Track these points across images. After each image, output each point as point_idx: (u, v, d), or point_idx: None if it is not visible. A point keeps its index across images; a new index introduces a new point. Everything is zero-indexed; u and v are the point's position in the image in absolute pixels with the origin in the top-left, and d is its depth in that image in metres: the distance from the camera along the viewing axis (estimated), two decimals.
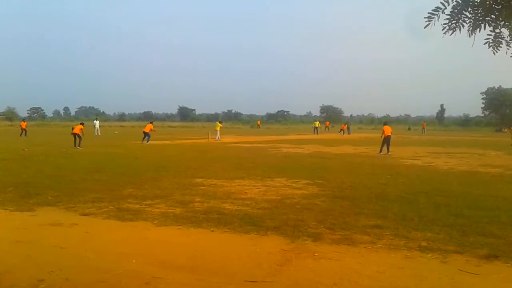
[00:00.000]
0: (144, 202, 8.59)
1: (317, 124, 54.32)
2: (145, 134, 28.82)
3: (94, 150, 22.18)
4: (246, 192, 9.86)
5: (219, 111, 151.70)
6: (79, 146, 23.90)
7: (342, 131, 52.04)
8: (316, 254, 5.47)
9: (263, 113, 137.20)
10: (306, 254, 5.50)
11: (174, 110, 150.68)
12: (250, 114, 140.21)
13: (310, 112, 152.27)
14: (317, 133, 50.58)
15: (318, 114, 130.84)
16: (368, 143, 31.20)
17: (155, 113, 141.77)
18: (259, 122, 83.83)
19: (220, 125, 37.86)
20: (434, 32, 4.36)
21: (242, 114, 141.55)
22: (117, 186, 10.44)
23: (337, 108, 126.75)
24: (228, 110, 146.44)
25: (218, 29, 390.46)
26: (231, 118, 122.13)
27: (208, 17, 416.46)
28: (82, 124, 26.48)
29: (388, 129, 22.87)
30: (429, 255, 5.48)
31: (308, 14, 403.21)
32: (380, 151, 22.61)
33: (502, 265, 5.15)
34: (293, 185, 11.04)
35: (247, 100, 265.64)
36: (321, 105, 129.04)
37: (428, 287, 4.52)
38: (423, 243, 5.93)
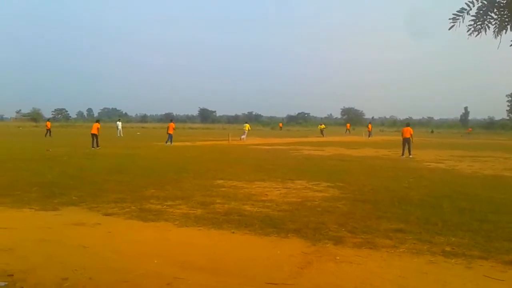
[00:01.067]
0: (166, 203, 8.66)
1: (322, 126, 54.67)
2: (169, 135, 29.20)
3: (116, 151, 22.48)
4: (266, 194, 9.85)
5: (239, 113, 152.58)
6: (97, 146, 24.18)
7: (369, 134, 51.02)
8: (338, 258, 5.42)
9: (284, 115, 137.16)
10: (327, 257, 5.46)
11: (195, 112, 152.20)
12: (271, 116, 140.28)
13: (331, 114, 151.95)
14: (324, 135, 50.07)
15: (339, 116, 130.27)
16: (389, 146, 30.84)
17: (176, 114, 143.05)
18: (281, 125, 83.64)
19: (248, 126, 39.83)
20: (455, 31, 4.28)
21: (262, 116, 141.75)
22: (139, 187, 10.56)
23: (358, 111, 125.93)
24: (248, 112, 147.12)
25: (241, 29, 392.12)
26: (252, 119, 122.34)
27: (230, 16, 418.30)
28: (98, 121, 26.42)
29: (406, 131, 22.60)
30: (453, 260, 5.38)
31: (336, 17, 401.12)
32: (402, 154, 22.34)
33: None
34: (314, 187, 10.99)
35: (268, 102, 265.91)
36: (342, 107, 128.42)
37: None
38: (447, 248, 5.82)
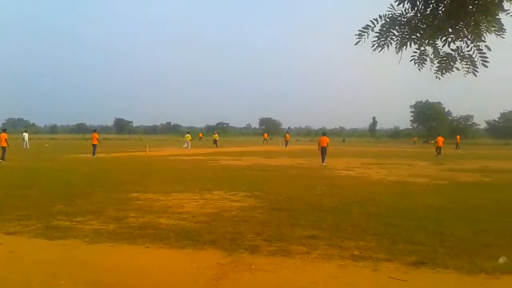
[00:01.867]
0: (75, 219, 8.21)
1: (215, 136, 53.46)
2: (94, 145, 28.19)
3: (23, 164, 21.02)
4: (183, 206, 9.72)
5: (157, 123, 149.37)
6: (2, 159, 22.58)
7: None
8: (253, 267, 5.48)
9: (203, 125, 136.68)
10: (243, 267, 5.50)
11: (110, 122, 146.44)
12: (190, 126, 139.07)
13: (249, 124, 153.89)
14: (217, 146, 48.18)
15: (258, 126, 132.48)
16: (305, 155, 31.92)
17: (89, 125, 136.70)
18: (200, 135, 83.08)
19: (189, 136, 42.87)
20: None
21: (181, 126, 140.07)
22: (46, 202, 9.91)
23: (276, 121, 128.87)
24: (167, 122, 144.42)
25: (161, 36, 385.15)
26: (170, 130, 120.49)
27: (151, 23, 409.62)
28: (4, 131, 24.61)
29: (323, 140, 23.85)
30: (361, 263, 5.66)
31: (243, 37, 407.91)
32: (322, 161, 23.49)
33: (429, 271, 5.40)
34: (232, 197, 11.04)
35: (187, 112, 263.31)
36: (260, 117, 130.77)
37: None
38: (356, 252, 6.12)
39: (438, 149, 33.95)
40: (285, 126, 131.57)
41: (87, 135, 78.15)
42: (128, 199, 10.53)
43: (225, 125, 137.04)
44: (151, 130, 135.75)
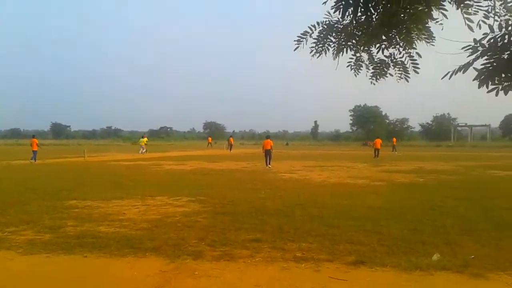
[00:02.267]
0: (7, 229, 7.75)
1: (144, 140, 43.59)
2: (34, 152, 27.07)
3: None
4: (124, 213, 9.45)
5: (97, 127, 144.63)
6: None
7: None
8: (196, 273, 5.42)
9: (146, 130, 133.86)
10: (186, 273, 5.42)
11: (46, 127, 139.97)
12: (132, 131, 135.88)
13: (193, 128, 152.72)
14: (145, 151, 41.01)
15: (202, 130, 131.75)
16: (249, 158, 32.08)
17: (23, 130, 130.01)
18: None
19: (145, 140, 42.08)
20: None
21: (123, 130, 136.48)
22: None
23: (220, 124, 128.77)
24: (107, 127, 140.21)
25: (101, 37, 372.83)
26: (111, 135, 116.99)
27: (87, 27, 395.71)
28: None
29: (267, 143, 24.35)
30: (303, 265, 5.76)
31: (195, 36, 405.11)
32: (266, 163, 24.02)
33: (368, 270, 5.58)
34: (175, 203, 10.87)
35: (128, 116, 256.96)
36: (204, 121, 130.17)
37: None
38: (298, 254, 6.22)
39: (376, 151, 35.33)
40: (229, 130, 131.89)
41: (21, 141, 74.53)
42: (65, 207, 10.08)
43: (168, 129, 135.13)
44: (90, 135, 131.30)
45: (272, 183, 15.55)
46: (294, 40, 4.54)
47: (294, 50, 4.56)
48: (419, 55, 4.07)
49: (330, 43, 4.57)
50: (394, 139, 51.45)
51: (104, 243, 6.79)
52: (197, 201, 11.02)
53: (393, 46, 4.11)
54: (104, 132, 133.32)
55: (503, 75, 2.61)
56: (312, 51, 4.65)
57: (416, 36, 3.83)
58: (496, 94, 2.67)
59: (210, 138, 69.91)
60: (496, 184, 16.08)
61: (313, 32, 4.51)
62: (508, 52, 2.60)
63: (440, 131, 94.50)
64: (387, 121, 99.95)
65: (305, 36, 4.51)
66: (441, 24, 3.62)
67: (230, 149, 50.35)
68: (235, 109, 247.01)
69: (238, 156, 37.51)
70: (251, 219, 8.68)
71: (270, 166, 23.70)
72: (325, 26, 4.46)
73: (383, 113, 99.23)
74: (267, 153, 24.41)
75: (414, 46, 4.00)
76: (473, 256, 6.05)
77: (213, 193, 12.60)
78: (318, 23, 4.32)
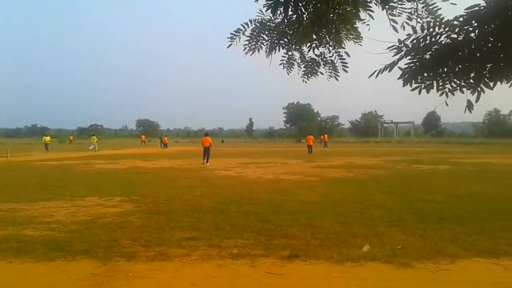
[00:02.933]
0: None
1: (47, 139, 41.45)
2: None
3: None
4: (52, 215, 8.99)
5: (21, 125, 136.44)
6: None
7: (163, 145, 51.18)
8: (130, 274, 5.28)
9: (74, 127, 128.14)
10: (119, 275, 5.27)
11: None
12: (59, 129, 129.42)
13: (126, 126, 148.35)
14: (48, 151, 38.41)
15: (135, 127, 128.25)
16: (184, 156, 31.72)
17: None
18: (71, 138, 77.76)
19: (95, 138, 44.66)
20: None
21: (49, 128, 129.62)
22: None
23: (154, 122, 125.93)
24: (32, 125, 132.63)
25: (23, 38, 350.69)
26: (36, 133, 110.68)
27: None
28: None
29: (206, 140, 24.86)
30: (239, 261, 5.80)
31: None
32: (206, 161, 24.25)
33: (302, 263, 5.73)
34: (107, 203, 10.51)
35: (55, 114, 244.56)
36: (137, 119, 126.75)
37: None
38: (234, 250, 6.25)
39: (310, 147, 36.31)
40: (163, 127, 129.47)
41: None
42: None
43: (99, 127, 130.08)
44: (14, 133, 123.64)
45: (207, 181, 15.48)
46: (227, 38, 4.53)
47: (227, 47, 4.56)
48: (348, 55, 4.24)
49: (263, 41, 4.61)
50: (326, 136, 53.03)
51: (30, 247, 6.44)
52: (130, 201, 10.73)
53: (323, 45, 4.23)
54: (29, 131, 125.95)
55: (425, 74, 2.77)
56: (245, 48, 4.66)
57: (345, 36, 3.97)
58: (419, 93, 2.83)
59: (143, 136, 68.21)
60: (420, 177, 17.08)
61: (246, 30, 4.52)
62: (430, 53, 2.76)
63: (368, 127, 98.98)
64: (319, 118, 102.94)
65: (238, 34, 4.51)
66: (368, 25, 3.79)
67: (165, 147, 49.65)
68: (170, 107, 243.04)
69: (173, 154, 36.94)
70: (186, 217, 8.60)
71: (208, 163, 23.78)
72: (258, 24, 4.49)
73: (315, 111, 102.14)
74: (206, 150, 24.66)
75: (343, 45, 4.15)
76: (400, 247, 6.39)
77: (147, 192, 12.33)
78: (250, 21, 4.34)
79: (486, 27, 2.48)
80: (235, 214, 8.90)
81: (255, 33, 4.55)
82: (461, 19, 2.59)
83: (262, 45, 4.62)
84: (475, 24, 2.52)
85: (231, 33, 4.47)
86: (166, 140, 53.19)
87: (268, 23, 4.39)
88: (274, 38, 4.53)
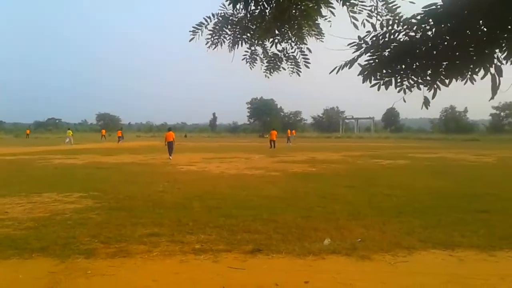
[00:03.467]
0: None
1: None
2: None
3: None
4: (6, 212, 8.67)
5: None
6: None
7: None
8: (89, 272, 5.16)
9: (31, 121, 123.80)
10: (78, 273, 5.14)
11: None
12: (15, 123, 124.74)
13: (85, 120, 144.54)
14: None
15: (95, 121, 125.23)
16: (147, 151, 31.25)
17: None
18: (28, 132, 75.19)
19: (71, 132, 46.57)
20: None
21: (5, 122, 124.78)
22: None
23: (115, 116, 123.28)
24: None
25: None
26: None
27: None
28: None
29: (169, 135, 25.01)
30: (202, 256, 5.78)
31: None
32: (170, 155, 24.34)
33: (264, 257, 5.77)
34: (65, 199, 10.22)
35: (12, 107, 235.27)
36: (97, 113, 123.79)
37: None
38: (197, 246, 6.22)
39: (272, 142, 36.55)
40: (125, 121, 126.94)
41: None
42: None
43: (57, 121, 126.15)
44: None
45: (170, 176, 15.32)
46: (190, 31, 4.47)
47: (190, 41, 4.49)
48: (310, 51, 4.27)
49: (226, 36, 4.57)
50: (289, 131, 53.45)
51: None
52: (90, 197, 10.48)
53: (285, 41, 4.24)
54: None
55: (384, 71, 2.82)
56: (208, 42, 4.61)
57: (307, 32, 4.00)
58: (378, 89, 2.89)
59: (103, 131, 66.63)
60: (379, 172, 17.52)
61: (208, 24, 4.47)
62: (389, 50, 2.82)
63: (330, 123, 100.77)
64: (282, 113, 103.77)
65: (200, 27, 4.45)
66: (330, 21, 3.83)
67: (120, 141, 48.99)
68: (132, 100, 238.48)
69: (135, 149, 36.30)
70: (148, 213, 8.48)
71: (170, 158, 23.80)
72: (220, 18, 4.45)
73: (278, 106, 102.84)
74: (170, 145, 24.68)
75: (305, 41, 4.18)
76: (360, 240, 6.54)
77: (108, 188, 12.07)
78: (213, 15, 4.30)
79: (442, 25, 2.56)
80: (198, 210, 8.86)
81: (217, 27, 4.50)
82: (418, 17, 2.65)
83: (224, 40, 4.58)
84: (432, 23, 2.59)
85: (193, 27, 4.41)
86: (120, 133, 52.54)
87: (231, 17, 4.36)
88: (237, 32, 4.50)
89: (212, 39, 4.55)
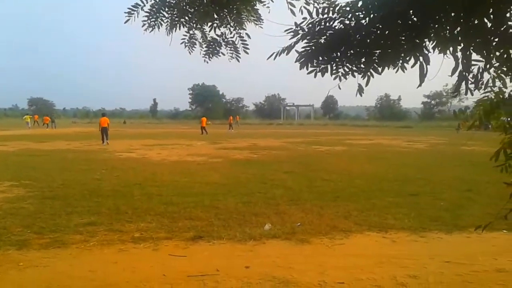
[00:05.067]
0: None
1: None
2: None
3: None
4: None
5: None
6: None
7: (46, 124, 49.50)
8: (21, 264, 4.94)
9: None
10: (9, 265, 4.90)
11: None
12: None
13: (16, 104, 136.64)
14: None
15: (27, 107, 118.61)
16: (83, 138, 30.09)
17: None
18: None
19: (28, 117, 48.92)
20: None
21: None
22: None
23: (48, 101, 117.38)
24: None
25: None
26: None
27: None
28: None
29: (104, 121, 24.59)
30: (141, 245, 5.70)
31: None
32: (103, 141, 24.03)
33: (205, 244, 5.79)
34: None
35: None
36: (30, 98, 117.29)
37: (140, 277, 4.65)
38: (136, 234, 6.12)
39: (203, 128, 36.94)
40: (59, 107, 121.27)
41: None
42: None
43: None
44: None
45: (108, 163, 14.86)
46: (125, 12, 4.30)
47: (125, 22, 4.32)
48: (249, 36, 4.26)
49: (163, 18, 4.45)
50: (231, 117, 53.45)
51: None
52: (22, 186, 9.96)
53: (224, 25, 4.20)
54: None
55: (320, 58, 2.87)
56: (144, 25, 4.47)
57: (246, 17, 3.99)
58: (315, 76, 2.93)
59: (36, 116, 63.46)
60: (318, 158, 17.98)
61: (144, 5, 4.33)
62: (325, 37, 2.87)
63: (272, 110, 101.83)
64: (224, 100, 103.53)
65: (136, 9, 4.30)
66: (268, 7, 3.85)
67: (47, 127, 47.77)
68: (67, 86, 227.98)
69: (70, 135, 34.78)
70: (84, 201, 8.21)
71: (107, 142, 23.61)
72: (158, 0, 4.32)
73: (220, 92, 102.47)
74: (104, 131, 24.28)
75: (244, 27, 4.17)
76: (299, 224, 6.71)
77: (41, 176, 11.52)
78: None
79: (375, 14, 2.63)
80: (137, 197, 8.68)
81: (154, 9, 4.37)
82: (352, 5, 2.72)
83: (162, 22, 4.46)
84: (364, 12, 2.67)
85: (128, 8, 4.26)
86: (47, 120, 51.40)
87: (168, 0, 4.26)
88: (175, 15, 4.40)
89: (149, 21, 4.42)
